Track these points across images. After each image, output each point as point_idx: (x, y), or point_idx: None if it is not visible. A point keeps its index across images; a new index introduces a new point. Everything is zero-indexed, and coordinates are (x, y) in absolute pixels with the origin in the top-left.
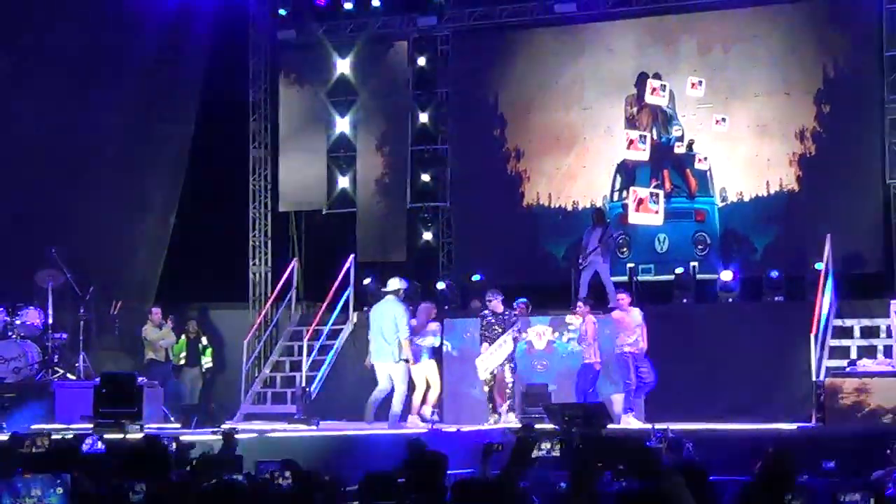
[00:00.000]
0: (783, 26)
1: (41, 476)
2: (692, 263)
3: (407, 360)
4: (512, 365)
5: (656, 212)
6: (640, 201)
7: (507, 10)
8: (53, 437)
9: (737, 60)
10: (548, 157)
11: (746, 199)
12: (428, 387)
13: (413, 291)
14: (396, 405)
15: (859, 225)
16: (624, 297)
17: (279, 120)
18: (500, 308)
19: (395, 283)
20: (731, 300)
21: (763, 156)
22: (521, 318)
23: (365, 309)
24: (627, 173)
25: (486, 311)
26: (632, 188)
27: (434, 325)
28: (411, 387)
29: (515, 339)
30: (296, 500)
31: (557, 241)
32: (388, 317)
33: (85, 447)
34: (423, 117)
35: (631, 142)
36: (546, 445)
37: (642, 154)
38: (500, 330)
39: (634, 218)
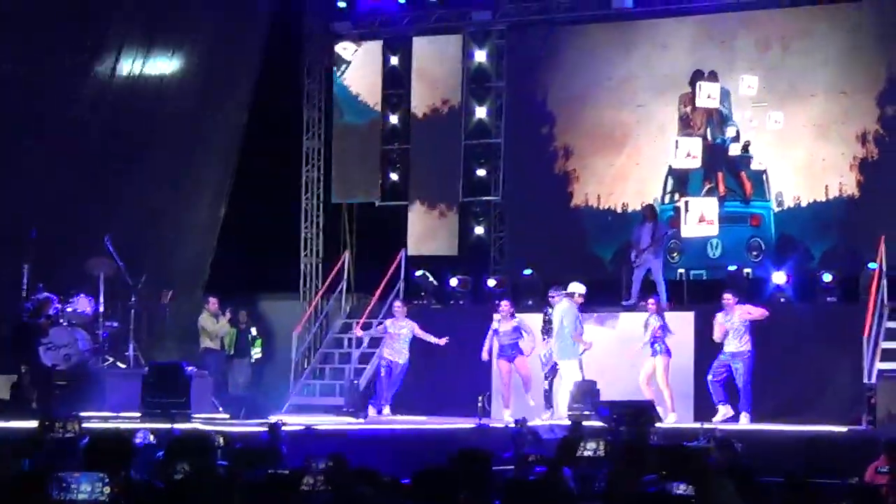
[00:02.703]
0: (846, 24)
1: (91, 473)
2: (746, 270)
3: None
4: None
5: (711, 222)
6: (697, 215)
7: (564, 4)
8: (85, 424)
9: (796, 59)
10: (598, 157)
11: (804, 203)
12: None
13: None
14: (562, 398)
15: None
16: (729, 297)
17: (333, 111)
18: None
19: (573, 287)
20: (783, 300)
21: (822, 158)
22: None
23: (415, 302)
24: (679, 175)
25: (548, 308)
26: (684, 199)
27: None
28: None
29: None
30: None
31: (605, 244)
32: (558, 316)
33: (137, 440)
34: (480, 111)
35: (683, 151)
36: (592, 445)
37: (694, 162)
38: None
39: (687, 231)
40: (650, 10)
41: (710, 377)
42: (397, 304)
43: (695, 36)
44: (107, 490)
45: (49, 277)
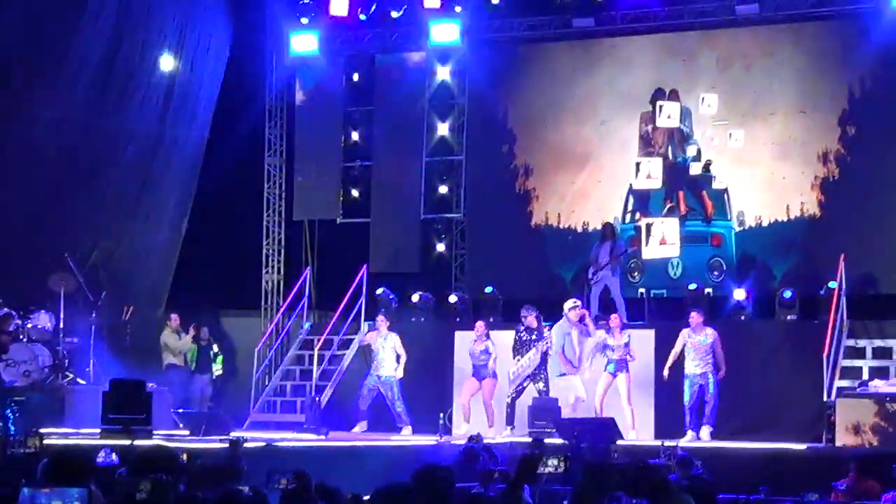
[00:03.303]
0: (807, 44)
1: (60, 489)
2: (707, 290)
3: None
4: (539, 378)
5: (672, 244)
6: (658, 238)
7: (525, 23)
8: (45, 441)
9: (757, 77)
10: (559, 175)
11: (765, 223)
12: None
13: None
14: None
15: (874, 245)
16: (696, 316)
17: (295, 128)
18: (534, 323)
19: (565, 306)
20: (743, 318)
21: (782, 177)
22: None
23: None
24: (640, 195)
25: (521, 326)
26: (645, 221)
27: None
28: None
29: (544, 354)
30: None
31: (566, 264)
32: (553, 335)
33: (99, 459)
34: (442, 128)
35: (644, 172)
36: (553, 462)
37: (655, 183)
38: (530, 345)
39: (649, 253)
40: (611, 28)
41: (687, 403)
42: (380, 318)
43: (657, 54)
44: None
45: (9, 293)
